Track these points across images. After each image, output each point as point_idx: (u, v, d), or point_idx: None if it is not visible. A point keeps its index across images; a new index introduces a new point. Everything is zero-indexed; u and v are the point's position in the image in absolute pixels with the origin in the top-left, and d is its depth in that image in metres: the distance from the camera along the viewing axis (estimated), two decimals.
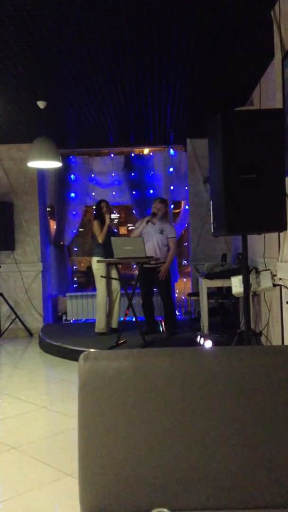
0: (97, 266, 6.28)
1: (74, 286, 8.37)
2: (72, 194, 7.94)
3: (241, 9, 3.56)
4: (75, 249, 8.66)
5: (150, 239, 6.06)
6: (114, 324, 6.45)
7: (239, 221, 2.79)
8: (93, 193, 7.97)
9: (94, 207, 6.73)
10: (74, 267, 8.66)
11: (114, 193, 7.98)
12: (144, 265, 5.98)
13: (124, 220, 10.76)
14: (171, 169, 7.84)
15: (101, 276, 6.28)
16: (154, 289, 6.35)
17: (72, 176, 7.92)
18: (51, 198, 8.05)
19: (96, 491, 1.37)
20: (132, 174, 7.89)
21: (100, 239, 6.30)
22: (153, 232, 6.07)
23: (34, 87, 4.98)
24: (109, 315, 6.49)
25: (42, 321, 7.57)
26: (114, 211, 9.35)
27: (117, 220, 9.93)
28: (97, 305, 6.39)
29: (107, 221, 6.31)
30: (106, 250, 6.23)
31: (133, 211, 8.21)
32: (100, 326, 6.33)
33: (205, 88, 5.25)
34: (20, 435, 3.50)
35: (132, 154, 8.04)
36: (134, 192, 7.89)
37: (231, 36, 4.01)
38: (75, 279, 8.55)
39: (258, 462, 1.36)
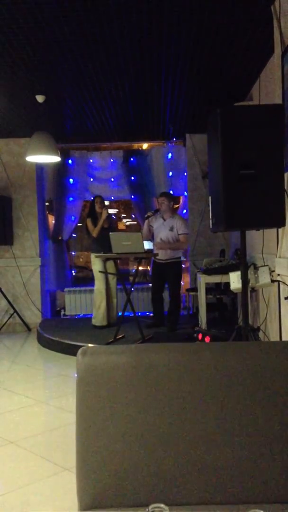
0: (93, 261, 6.33)
1: (72, 281, 8.37)
2: (71, 189, 7.93)
3: (240, 4, 3.54)
4: (73, 243, 8.66)
5: (160, 235, 6.05)
6: (113, 319, 6.47)
7: (238, 216, 2.79)
8: (92, 188, 7.95)
9: (90, 202, 6.74)
10: (73, 262, 8.65)
11: (112, 188, 7.96)
12: (157, 260, 6.01)
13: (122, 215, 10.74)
14: (170, 165, 7.82)
15: (100, 271, 6.30)
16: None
17: (70, 171, 7.91)
18: (49, 192, 8.03)
19: (94, 485, 1.38)
20: (131, 169, 7.87)
21: (94, 233, 6.31)
22: (163, 229, 6.05)
23: (33, 81, 4.96)
24: (108, 310, 6.51)
25: (41, 316, 7.57)
26: (113, 207, 9.33)
27: (115, 216, 9.92)
28: (96, 299, 6.41)
29: (103, 215, 6.30)
30: (101, 246, 6.26)
31: (132, 206, 8.20)
32: (101, 320, 6.35)
33: (205, 83, 5.24)
34: (18, 429, 3.50)
35: (131, 149, 8.02)
36: (132, 187, 7.88)
37: (231, 31, 3.99)
38: (74, 273, 8.55)
39: (256, 457, 1.37)
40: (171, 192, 7.25)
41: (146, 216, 6.20)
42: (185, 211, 7.71)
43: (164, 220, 6.08)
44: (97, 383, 1.41)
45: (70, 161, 7.88)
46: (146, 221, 6.18)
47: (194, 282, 7.24)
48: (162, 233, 6.04)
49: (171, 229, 6.02)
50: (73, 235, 8.43)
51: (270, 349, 1.48)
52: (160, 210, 6.08)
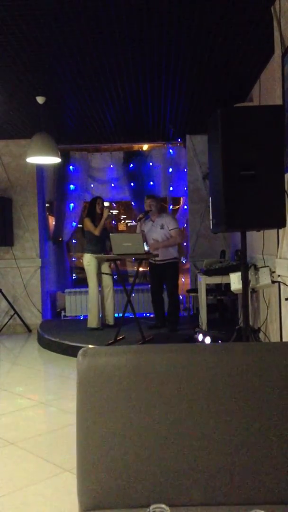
0: (88, 262, 6.31)
1: (73, 282, 8.37)
2: (72, 188, 7.93)
3: (241, 5, 3.54)
4: (73, 244, 8.65)
5: (152, 236, 6.07)
6: (110, 321, 6.48)
7: (238, 217, 2.79)
8: (92, 189, 7.96)
9: (89, 203, 6.75)
10: (73, 263, 8.65)
11: (112, 189, 7.97)
12: (154, 262, 6.03)
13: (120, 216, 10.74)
14: (170, 166, 7.83)
15: (103, 273, 6.31)
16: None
17: (70, 171, 7.91)
18: (49, 194, 8.04)
19: (94, 486, 1.38)
20: (131, 170, 7.87)
21: (97, 232, 6.31)
22: (154, 230, 6.09)
23: (33, 82, 4.97)
24: (102, 311, 6.51)
25: (41, 317, 7.57)
26: (114, 205, 9.33)
27: (115, 220, 9.92)
28: (88, 301, 6.41)
29: (105, 214, 6.31)
30: (97, 246, 6.27)
31: (132, 207, 8.20)
32: (92, 321, 6.35)
33: (205, 84, 5.24)
34: (18, 430, 3.50)
35: (131, 150, 8.02)
36: (132, 188, 7.88)
37: (231, 33, 3.99)
38: (74, 275, 8.55)
39: (257, 458, 1.36)
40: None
41: (138, 218, 6.26)
42: (186, 204, 7.70)
43: (153, 221, 6.15)
44: (97, 384, 1.41)
45: (70, 163, 7.88)
46: (138, 224, 6.23)
47: (194, 283, 7.24)
48: (154, 234, 6.08)
49: (162, 227, 6.08)
50: (74, 240, 8.42)
51: (270, 350, 1.48)
52: (151, 211, 6.13)
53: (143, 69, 4.70)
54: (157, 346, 1.50)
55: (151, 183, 7.88)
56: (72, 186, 7.94)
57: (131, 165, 7.88)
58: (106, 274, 6.42)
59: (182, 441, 1.38)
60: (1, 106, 5.70)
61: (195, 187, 7.45)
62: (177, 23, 3.79)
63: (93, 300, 6.33)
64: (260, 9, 3.61)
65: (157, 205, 6.18)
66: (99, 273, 6.39)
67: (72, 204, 7.99)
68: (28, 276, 7.55)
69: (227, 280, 5.04)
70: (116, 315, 6.58)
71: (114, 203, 8.85)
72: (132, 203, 8.07)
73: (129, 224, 10.32)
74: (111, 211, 6.58)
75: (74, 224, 8.06)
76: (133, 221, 9.39)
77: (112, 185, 7.97)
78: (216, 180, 2.87)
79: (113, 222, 7.11)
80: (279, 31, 3.50)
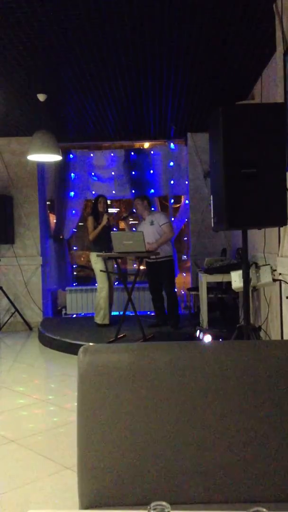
0: (95, 260, 6.32)
1: (74, 280, 8.37)
2: (72, 189, 7.93)
3: (242, 3, 3.53)
4: (74, 243, 8.66)
5: (147, 235, 6.07)
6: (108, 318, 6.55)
7: (240, 215, 2.79)
8: (93, 187, 7.95)
9: (93, 201, 6.76)
10: (74, 261, 8.65)
11: (114, 187, 7.96)
12: (150, 260, 6.04)
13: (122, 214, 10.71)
14: (172, 164, 7.82)
15: (101, 271, 6.31)
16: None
17: (71, 169, 7.90)
18: (50, 191, 8.03)
19: (95, 484, 1.38)
20: (132, 168, 7.87)
21: (90, 237, 6.35)
22: (145, 227, 6.10)
23: (34, 79, 4.96)
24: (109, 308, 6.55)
25: (42, 315, 7.58)
26: (114, 206, 9.32)
27: (115, 216, 9.90)
28: (100, 298, 6.41)
29: (104, 221, 6.32)
30: (102, 246, 6.28)
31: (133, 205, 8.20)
32: (103, 318, 6.39)
33: (206, 82, 5.23)
34: (19, 428, 3.50)
35: (133, 148, 8.02)
36: (134, 187, 7.88)
37: (233, 30, 3.98)
38: (75, 273, 8.55)
39: (258, 455, 1.36)
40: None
41: (122, 217, 6.32)
42: (187, 201, 7.69)
43: (144, 220, 6.21)
44: (98, 382, 1.41)
45: (71, 160, 7.87)
46: (124, 223, 6.34)
47: (195, 281, 7.23)
48: (146, 231, 6.07)
49: (152, 223, 6.11)
50: (74, 239, 8.42)
51: (271, 348, 1.48)
52: (137, 210, 6.21)
53: (145, 67, 4.69)
54: (158, 344, 1.50)
55: (152, 181, 7.87)
56: (72, 185, 7.93)
57: (132, 163, 7.87)
58: (112, 273, 6.45)
59: (183, 439, 1.38)
60: (2, 103, 5.69)
61: (196, 185, 7.44)
62: (178, 21, 3.78)
63: (104, 297, 6.36)
64: (262, 7, 3.59)
65: (142, 203, 6.23)
66: (107, 271, 6.40)
67: (73, 202, 7.99)
68: (29, 274, 7.55)
69: (228, 279, 5.02)
70: (112, 313, 6.65)
71: (115, 202, 8.84)
72: (133, 201, 8.06)
73: (130, 223, 10.30)
74: (109, 210, 6.59)
75: (75, 222, 8.06)
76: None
77: (113, 183, 7.96)
78: (218, 178, 2.87)
79: (115, 228, 7.07)
80: (281, 29, 3.49)
